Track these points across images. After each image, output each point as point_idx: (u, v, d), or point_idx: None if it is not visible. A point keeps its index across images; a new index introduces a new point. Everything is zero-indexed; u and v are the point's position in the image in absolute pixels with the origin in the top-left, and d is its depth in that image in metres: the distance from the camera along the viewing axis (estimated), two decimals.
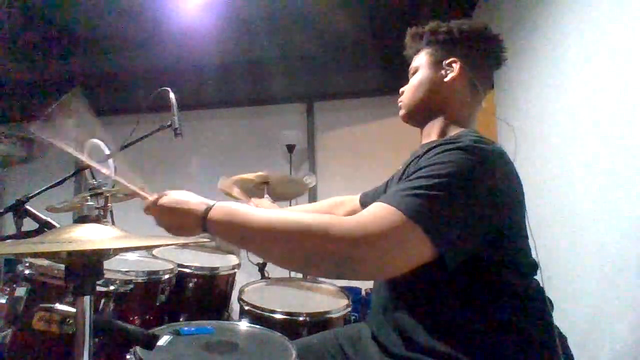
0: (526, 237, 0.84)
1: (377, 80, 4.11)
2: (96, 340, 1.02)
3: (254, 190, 2.20)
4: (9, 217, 1.36)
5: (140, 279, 1.42)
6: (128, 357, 0.88)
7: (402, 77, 1.08)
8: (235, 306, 1.63)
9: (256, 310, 1.36)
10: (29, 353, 1.07)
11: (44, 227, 1.31)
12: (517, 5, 2.23)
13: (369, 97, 4.33)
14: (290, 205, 3.88)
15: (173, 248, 1.86)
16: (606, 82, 1.36)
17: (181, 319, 1.58)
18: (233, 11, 2.92)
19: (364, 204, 1.30)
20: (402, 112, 1.06)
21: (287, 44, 3.43)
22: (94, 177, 1.67)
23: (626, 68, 1.25)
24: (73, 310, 0.67)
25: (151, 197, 0.87)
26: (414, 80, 1.03)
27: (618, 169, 1.28)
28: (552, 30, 1.80)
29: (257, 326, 1.15)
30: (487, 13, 2.71)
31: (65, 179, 1.58)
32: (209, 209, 0.78)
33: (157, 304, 1.50)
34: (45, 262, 1.12)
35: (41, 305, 0.71)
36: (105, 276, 0.99)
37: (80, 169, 1.66)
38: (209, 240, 0.80)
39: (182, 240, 1.04)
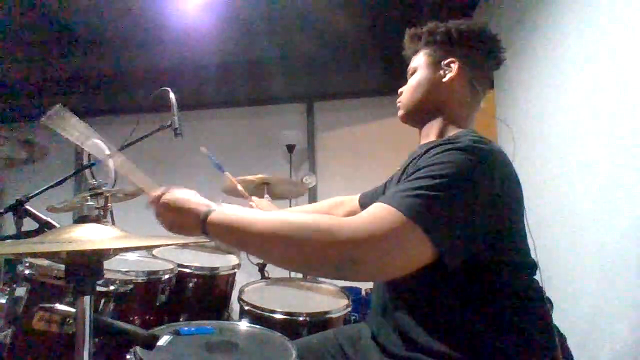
0: (525, 236, 0.85)
1: (377, 80, 4.11)
2: (96, 340, 1.02)
3: (254, 190, 2.21)
4: (9, 217, 1.36)
5: (140, 279, 1.42)
6: (128, 357, 0.88)
7: (402, 77, 1.09)
8: (235, 306, 1.63)
9: (256, 310, 1.36)
10: (29, 353, 1.07)
11: (44, 227, 1.32)
12: (517, 5, 2.23)
13: (369, 97, 4.33)
14: (290, 205, 3.88)
15: (173, 248, 1.86)
16: (606, 82, 1.36)
17: (181, 319, 1.58)
18: (233, 11, 2.92)
19: (364, 204, 1.30)
20: (400, 112, 1.07)
21: (287, 44, 3.43)
22: (94, 177, 1.67)
23: (626, 68, 1.25)
24: (73, 310, 0.67)
25: (156, 192, 0.86)
26: (413, 81, 1.03)
27: (618, 169, 1.28)
28: (552, 30, 1.80)
29: (257, 326, 1.15)
30: (487, 13, 2.71)
31: (65, 179, 1.58)
32: (209, 211, 0.77)
33: (157, 304, 1.50)
34: (45, 262, 1.12)
35: (41, 305, 0.71)
36: (105, 276, 0.99)
37: (80, 169, 1.66)
38: (208, 240, 0.79)
39: (182, 240, 1.04)
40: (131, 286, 1.27)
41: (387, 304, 0.91)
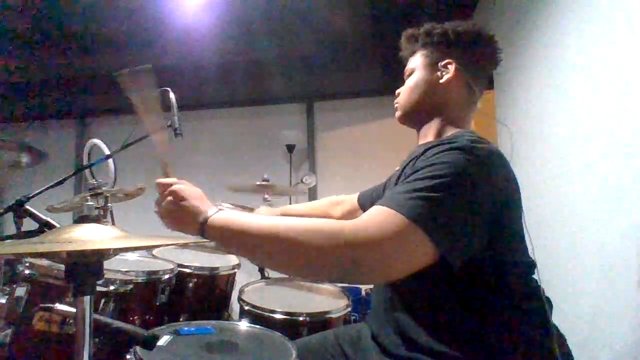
0: (524, 236, 0.85)
1: (377, 80, 4.11)
2: (96, 340, 1.02)
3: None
4: (9, 217, 1.36)
5: (140, 279, 1.42)
6: (128, 357, 0.88)
7: (402, 77, 1.09)
8: (235, 306, 1.63)
9: (256, 310, 1.36)
10: (29, 353, 1.07)
11: (44, 227, 1.31)
12: (517, 5, 2.23)
13: (369, 97, 4.34)
14: (290, 203, 3.88)
15: (173, 248, 1.86)
16: (606, 82, 1.36)
17: (181, 319, 1.58)
18: (233, 11, 2.92)
19: (363, 204, 1.30)
20: (398, 113, 1.07)
21: (287, 44, 3.43)
22: (94, 177, 1.67)
23: (626, 68, 1.25)
24: (73, 310, 0.68)
25: (169, 177, 0.86)
26: (410, 82, 1.03)
27: (618, 169, 1.28)
28: (552, 30, 1.80)
29: (257, 326, 1.15)
30: (487, 13, 2.71)
31: (65, 179, 1.58)
32: (210, 213, 0.77)
33: (157, 304, 1.50)
34: (45, 262, 1.12)
35: (41, 305, 0.72)
36: (105, 276, 0.99)
37: (80, 169, 1.66)
38: (206, 241, 0.79)
39: (182, 240, 1.04)
40: (131, 286, 1.27)
41: (387, 304, 0.91)
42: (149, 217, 0.87)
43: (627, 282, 1.20)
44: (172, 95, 1.62)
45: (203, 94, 4.43)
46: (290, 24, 3.10)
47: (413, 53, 1.05)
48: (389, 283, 0.92)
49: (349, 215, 1.34)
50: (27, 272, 1.11)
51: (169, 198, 0.81)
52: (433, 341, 0.80)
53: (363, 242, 0.68)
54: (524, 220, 0.84)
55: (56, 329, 0.70)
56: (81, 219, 0.72)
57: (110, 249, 0.67)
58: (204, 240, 0.78)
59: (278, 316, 1.33)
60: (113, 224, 1.86)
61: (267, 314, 1.34)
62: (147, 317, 1.47)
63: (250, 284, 1.64)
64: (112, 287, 1.17)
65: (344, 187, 1.69)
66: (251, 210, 1.62)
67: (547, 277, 0.87)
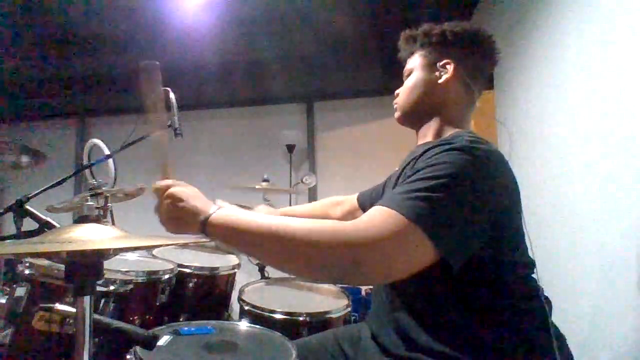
0: (523, 236, 0.85)
1: (377, 80, 4.11)
2: (96, 340, 1.02)
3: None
4: (9, 217, 1.36)
5: (140, 279, 1.42)
6: (128, 357, 0.88)
7: (402, 77, 1.09)
8: (235, 306, 1.63)
9: (256, 310, 1.37)
10: (29, 353, 1.07)
11: (44, 227, 1.32)
12: (517, 5, 2.23)
13: (369, 97, 4.34)
14: (290, 204, 3.88)
15: (173, 248, 1.86)
16: (606, 82, 1.36)
17: (181, 319, 1.58)
18: (233, 11, 2.92)
19: (362, 204, 1.30)
20: (397, 114, 1.07)
21: (287, 44, 3.43)
22: (94, 177, 1.67)
23: (626, 68, 1.25)
24: (73, 310, 0.68)
25: (166, 180, 0.86)
26: (409, 83, 1.04)
27: (618, 168, 1.28)
28: (552, 30, 1.80)
29: (257, 326, 1.15)
30: (487, 13, 2.71)
31: (65, 179, 1.58)
32: (211, 212, 0.77)
33: (157, 304, 1.50)
34: (45, 262, 1.12)
35: (41, 305, 0.71)
36: (105, 276, 0.99)
37: (80, 169, 1.66)
38: (208, 240, 0.79)
39: (182, 240, 1.04)
40: (131, 286, 1.27)
41: (387, 304, 0.91)
42: (149, 217, 0.86)
43: (627, 282, 1.20)
44: (172, 95, 1.62)
45: (203, 94, 4.43)
46: (290, 24, 3.10)
47: (411, 54, 1.06)
48: (389, 283, 0.92)
49: (349, 215, 1.34)
50: (27, 272, 1.11)
51: (167, 202, 0.82)
52: (433, 341, 0.80)
53: (363, 242, 0.68)
54: (523, 220, 0.84)
55: (56, 329, 0.70)
56: (81, 219, 0.72)
57: (110, 249, 0.67)
58: (204, 240, 0.77)
59: (278, 316, 1.33)
60: (113, 224, 1.87)
61: (267, 314, 1.34)
62: (147, 317, 1.47)
63: (250, 284, 1.64)
64: (112, 287, 1.17)
65: (344, 187, 1.69)
66: (250, 209, 1.62)
67: (547, 277, 0.87)
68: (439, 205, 0.70)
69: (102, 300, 1.17)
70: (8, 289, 1.20)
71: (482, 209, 0.73)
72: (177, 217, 0.80)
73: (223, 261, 1.82)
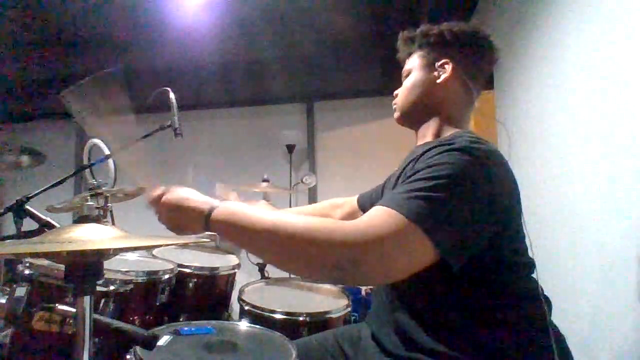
0: (523, 236, 0.85)
1: (377, 80, 4.11)
2: (96, 340, 1.02)
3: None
4: (9, 217, 1.36)
5: (140, 279, 1.42)
6: (128, 357, 0.88)
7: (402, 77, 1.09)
8: (235, 306, 1.63)
9: (256, 310, 1.37)
10: (29, 353, 1.07)
11: (44, 227, 1.32)
12: (517, 5, 2.23)
13: (369, 97, 4.33)
14: (290, 206, 3.88)
15: (173, 248, 1.86)
16: (606, 82, 1.36)
17: (181, 319, 1.58)
18: (233, 11, 2.92)
19: (362, 205, 1.30)
20: (396, 114, 1.07)
21: (287, 44, 3.43)
22: (94, 177, 1.67)
23: (626, 68, 1.25)
24: (73, 310, 0.67)
25: (156, 192, 0.86)
26: (407, 83, 1.04)
27: (618, 168, 1.28)
28: (552, 30, 1.80)
29: (257, 326, 1.15)
30: (487, 13, 2.71)
31: (65, 179, 1.58)
32: (213, 208, 0.77)
33: (157, 304, 1.50)
34: (45, 262, 1.12)
35: (41, 305, 0.71)
36: (105, 276, 0.99)
37: (80, 169, 1.66)
38: (208, 240, 0.79)
39: (182, 240, 1.04)
40: (131, 286, 1.27)
41: (387, 304, 0.91)
42: (149, 217, 0.87)
43: (627, 282, 1.20)
44: (172, 95, 1.62)
45: (203, 94, 4.43)
46: (290, 24, 3.10)
47: (410, 54, 1.06)
48: (389, 283, 0.92)
49: (349, 217, 1.34)
50: (27, 272, 1.11)
51: (165, 210, 0.82)
52: (433, 341, 0.80)
53: (363, 241, 0.67)
54: (523, 220, 0.84)
55: (56, 329, 0.70)
56: (81, 219, 0.72)
57: (110, 249, 0.67)
58: (204, 240, 0.78)
59: (278, 316, 1.33)
60: (113, 224, 1.87)
61: (267, 314, 1.34)
62: (147, 317, 1.47)
63: (250, 284, 1.64)
64: (112, 287, 1.17)
65: (344, 187, 1.69)
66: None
67: (547, 277, 0.87)
68: (439, 205, 0.70)
69: (102, 300, 1.17)
70: (8, 289, 1.19)
71: (482, 210, 0.73)
72: (180, 221, 0.81)
73: (223, 261, 1.82)
